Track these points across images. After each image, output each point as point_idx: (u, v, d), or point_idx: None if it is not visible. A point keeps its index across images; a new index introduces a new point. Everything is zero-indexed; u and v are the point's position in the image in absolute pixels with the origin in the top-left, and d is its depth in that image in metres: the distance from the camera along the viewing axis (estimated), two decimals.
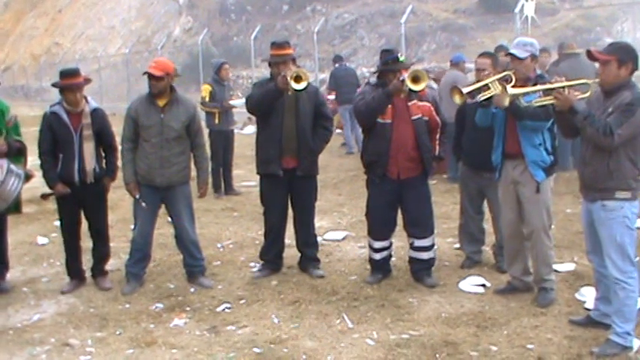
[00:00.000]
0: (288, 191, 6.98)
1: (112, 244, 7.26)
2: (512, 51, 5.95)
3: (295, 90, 6.55)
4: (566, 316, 5.84)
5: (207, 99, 11.18)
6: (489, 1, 25.94)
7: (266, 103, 6.75)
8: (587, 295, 6.07)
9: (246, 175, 12.24)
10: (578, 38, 20.11)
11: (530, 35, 17.20)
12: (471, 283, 6.65)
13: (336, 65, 16.32)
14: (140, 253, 6.88)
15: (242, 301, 6.46)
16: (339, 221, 9.38)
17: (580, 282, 6.55)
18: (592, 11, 25.29)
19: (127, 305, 6.45)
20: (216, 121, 11.21)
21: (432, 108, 6.62)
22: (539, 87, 5.47)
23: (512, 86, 5.62)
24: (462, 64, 11.87)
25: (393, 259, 7.07)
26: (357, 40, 27.77)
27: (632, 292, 5.10)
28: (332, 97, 16.06)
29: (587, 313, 5.71)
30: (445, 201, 9.74)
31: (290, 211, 7.16)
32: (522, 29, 17.52)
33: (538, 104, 5.45)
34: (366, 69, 22.28)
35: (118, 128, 6.84)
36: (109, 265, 7.19)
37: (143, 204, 6.71)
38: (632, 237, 5.12)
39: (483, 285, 6.61)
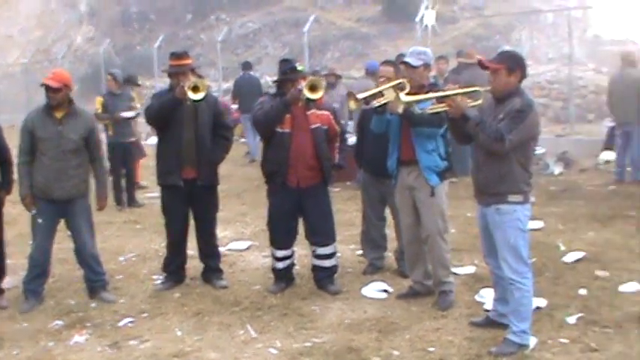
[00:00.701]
0: (189, 202, 6.92)
1: (9, 261, 7.02)
2: (406, 59, 6.07)
3: (193, 100, 6.51)
4: (467, 317, 5.95)
5: (99, 110, 10.99)
6: (392, 11, 26.26)
7: (165, 114, 6.69)
8: (487, 297, 6.19)
9: (149, 187, 12.07)
10: (478, 46, 20.55)
11: (431, 43, 17.56)
12: (374, 289, 6.72)
13: (241, 73, 16.28)
14: (38, 269, 6.68)
15: (144, 315, 6.36)
16: (243, 231, 9.35)
17: (480, 284, 6.69)
18: (491, 20, 25.91)
19: (25, 324, 6.25)
20: (110, 132, 11.07)
21: (331, 116, 6.67)
22: (432, 95, 5.58)
23: (407, 94, 5.72)
24: (377, 73, 11.99)
25: (296, 267, 7.09)
26: (261, 49, 27.73)
27: (527, 292, 5.25)
28: (235, 106, 16.01)
29: (486, 314, 5.85)
30: (348, 208, 9.80)
31: (192, 222, 7.10)
32: (423, 38, 17.83)
33: (432, 111, 5.57)
34: (269, 78, 22.25)
35: (17, 141, 6.65)
36: (6, 283, 6.96)
37: (39, 220, 6.54)
38: (525, 239, 5.28)
39: (386, 290, 6.69)
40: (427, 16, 17.97)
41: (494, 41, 23.86)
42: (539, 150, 13.87)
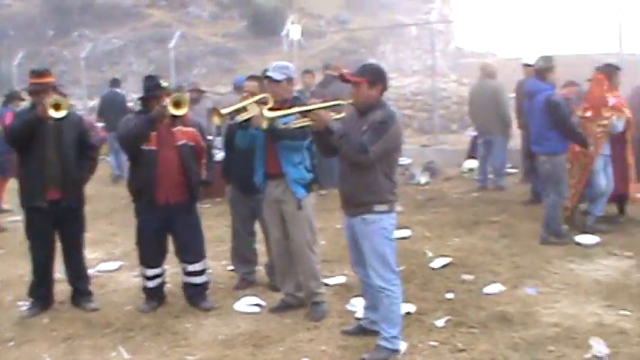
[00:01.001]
0: (55, 224, 6.71)
1: None
2: (269, 74, 6.11)
3: (55, 119, 6.34)
4: (339, 327, 6.02)
5: None
6: (258, 26, 26.43)
7: (26, 134, 6.48)
8: (358, 305, 6.27)
9: (13, 210, 11.63)
10: (345, 59, 20.91)
11: (298, 57, 17.74)
12: (246, 304, 6.71)
13: (106, 90, 15.95)
14: None
15: (11, 343, 6.11)
16: (113, 251, 9.14)
17: (350, 293, 6.78)
18: (357, 34, 26.44)
19: None
20: None
21: (197, 133, 6.64)
22: (295, 109, 5.63)
23: (270, 108, 5.77)
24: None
25: (167, 285, 7.00)
26: (127, 66, 27.33)
27: (395, 299, 5.37)
28: (101, 124, 15.67)
29: (358, 323, 5.94)
30: (218, 224, 9.75)
31: (59, 244, 6.89)
32: (290, 52, 17.99)
33: (296, 126, 5.63)
34: (135, 95, 21.91)
35: None
36: None
37: None
38: (392, 247, 5.39)
39: (258, 304, 6.69)
40: (293, 30, 18.14)
41: (360, 54, 24.38)
42: (405, 160, 14.28)
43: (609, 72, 8.92)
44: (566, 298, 6.61)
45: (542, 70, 8.60)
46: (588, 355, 5.28)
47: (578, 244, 8.34)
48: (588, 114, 8.88)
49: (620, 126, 8.70)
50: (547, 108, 8.33)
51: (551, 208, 8.56)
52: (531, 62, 10.09)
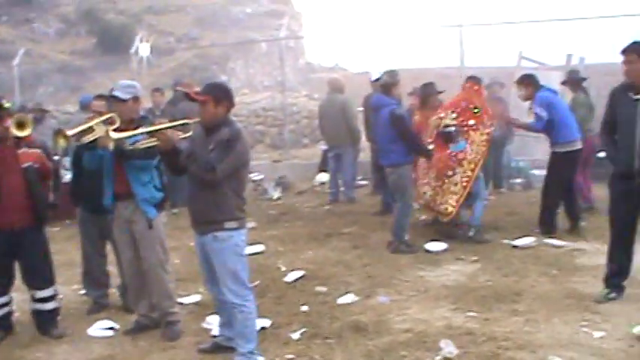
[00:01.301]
0: None
1: None
2: (115, 93, 6.03)
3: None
4: (195, 345, 6.00)
5: None
6: (106, 43, 25.91)
7: None
8: (213, 323, 6.26)
9: None
10: (196, 76, 20.82)
11: (148, 74, 17.56)
12: (100, 328, 6.56)
13: None
14: None
15: None
16: None
17: (206, 311, 6.75)
18: (207, 50, 26.36)
19: None
20: None
21: (43, 154, 6.44)
22: (141, 130, 5.60)
23: (117, 128, 5.69)
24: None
25: (16, 314, 6.74)
26: None
27: (250, 314, 5.41)
28: None
29: (214, 340, 5.94)
30: (68, 247, 9.45)
31: None
32: (139, 69, 17.77)
33: (143, 146, 5.59)
34: None
35: None
36: None
37: None
38: (244, 263, 5.43)
39: (112, 328, 6.56)
40: (142, 47, 17.95)
41: (211, 71, 24.35)
42: (257, 176, 14.37)
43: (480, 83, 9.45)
44: (417, 304, 6.85)
45: (387, 85, 8.89)
46: (439, 357, 5.49)
47: (427, 251, 8.67)
48: (472, 122, 9.24)
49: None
50: (391, 121, 8.61)
51: (400, 216, 8.85)
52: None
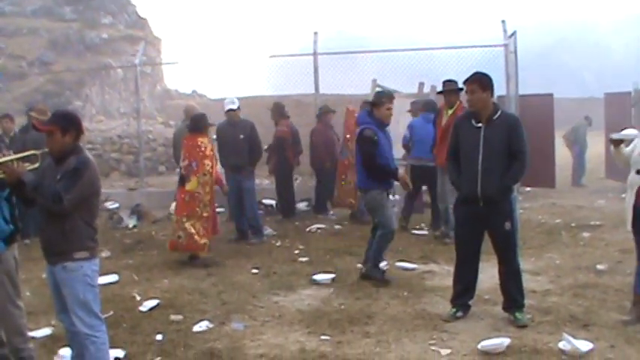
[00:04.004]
0: None
1: None
2: None
3: None
4: None
5: None
6: None
7: None
8: (66, 356, 6.10)
9: None
10: (50, 102, 20.26)
11: (0, 100, 16.97)
12: None
13: None
14: None
15: None
16: None
17: (59, 344, 6.57)
18: (61, 76, 25.69)
19: None
20: None
21: None
22: None
23: None
24: None
25: None
26: None
27: (102, 345, 5.36)
28: None
29: None
30: None
31: None
32: None
33: None
34: None
35: None
36: None
37: None
38: (95, 293, 5.37)
39: None
40: None
41: (65, 97, 23.75)
42: (112, 204, 14.16)
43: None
44: (271, 329, 6.97)
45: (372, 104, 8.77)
46: None
47: (314, 281, 8.75)
48: (348, 136, 12.38)
49: None
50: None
51: (379, 240, 8.67)
52: (233, 107, 10.73)
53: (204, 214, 9.68)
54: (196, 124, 10.05)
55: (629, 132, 7.04)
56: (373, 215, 8.88)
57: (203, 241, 9.71)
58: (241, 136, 11.17)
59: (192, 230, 9.68)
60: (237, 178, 11.23)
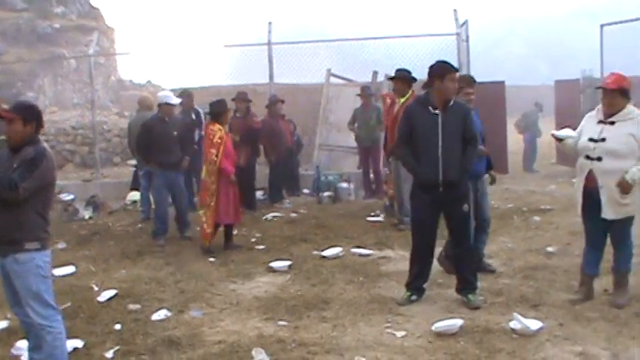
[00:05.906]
0: None
1: None
2: None
3: None
4: None
5: None
6: None
7: None
8: (23, 348, 6.07)
9: None
10: (1, 94, 19.96)
11: None
12: None
13: None
14: None
15: None
16: None
17: (15, 337, 6.54)
18: (12, 67, 25.32)
19: None
20: None
21: None
22: None
23: None
24: None
25: None
26: None
27: (59, 335, 5.39)
28: None
29: None
30: None
31: None
32: None
33: None
34: None
35: None
36: None
37: None
38: (48, 284, 5.39)
39: None
40: None
41: (17, 89, 23.44)
42: (68, 196, 14.06)
43: None
44: (229, 316, 7.04)
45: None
46: None
47: (271, 268, 8.83)
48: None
49: None
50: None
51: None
52: (172, 102, 10.71)
53: (212, 203, 9.74)
54: (211, 110, 10.07)
55: (566, 132, 7.22)
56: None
57: (209, 230, 9.80)
58: (175, 133, 10.81)
59: (204, 219, 9.83)
60: (170, 175, 10.80)
